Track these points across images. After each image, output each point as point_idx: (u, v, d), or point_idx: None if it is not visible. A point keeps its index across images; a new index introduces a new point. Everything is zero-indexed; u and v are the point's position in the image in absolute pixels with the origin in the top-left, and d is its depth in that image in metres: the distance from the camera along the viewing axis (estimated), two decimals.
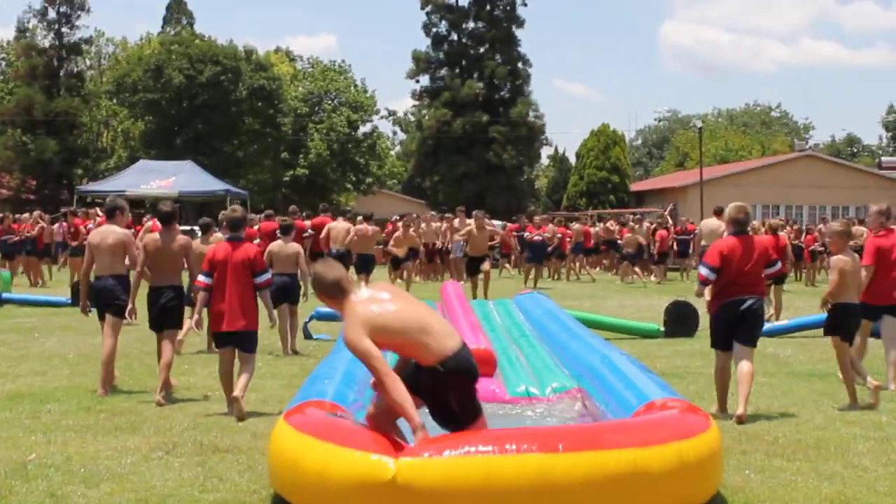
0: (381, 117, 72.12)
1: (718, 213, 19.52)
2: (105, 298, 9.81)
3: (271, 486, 5.88)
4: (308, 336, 14.14)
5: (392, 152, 69.38)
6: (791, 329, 14.73)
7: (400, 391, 5.23)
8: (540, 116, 58.23)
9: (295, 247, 12.94)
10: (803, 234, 30.14)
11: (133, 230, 26.64)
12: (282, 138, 55.32)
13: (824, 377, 10.77)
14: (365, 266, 19.76)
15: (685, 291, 21.02)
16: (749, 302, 8.49)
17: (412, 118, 62.71)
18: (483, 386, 8.28)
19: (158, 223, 9.96)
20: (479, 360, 8.36)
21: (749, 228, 8.88)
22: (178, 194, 34.48)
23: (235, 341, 8.66)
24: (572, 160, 65.11)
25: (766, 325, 14.75)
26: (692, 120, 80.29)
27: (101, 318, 9.93)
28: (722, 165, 63.06)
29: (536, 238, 26.00)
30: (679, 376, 10.79)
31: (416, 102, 59.25)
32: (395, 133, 73.16)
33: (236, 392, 8.29)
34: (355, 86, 61.29)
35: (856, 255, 9.34)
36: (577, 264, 30.83)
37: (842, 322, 9.06)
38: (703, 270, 8.62)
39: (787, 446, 7.39)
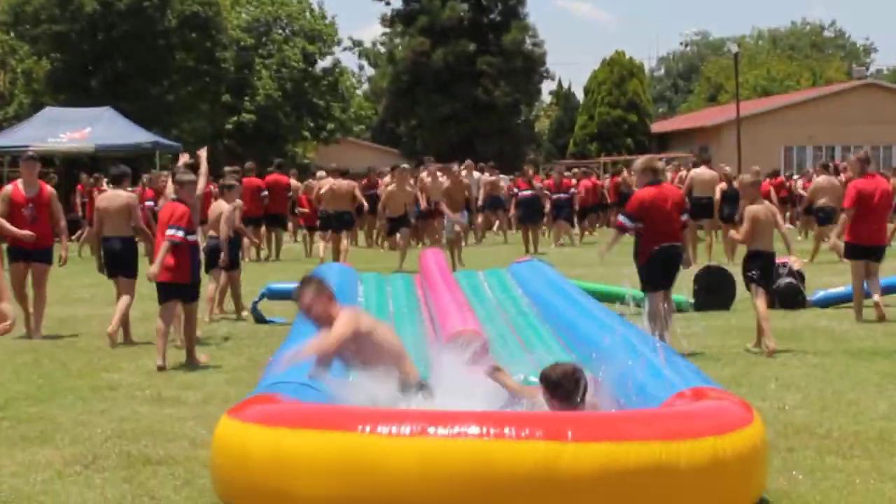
0: (344, 49, 72.05)
1: (707, 161, 23.13)
2: (114, 261, 12.80)
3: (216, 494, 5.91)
4: (260, 319, 14.14)
5: (358, 92, 69.18)
6: (848, 297, 14.79)
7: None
8: (539, 44, 58.17)
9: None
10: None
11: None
12: (222, 77, 55.03)
13: (890, 356, 10.86)
14: (342, 225, 21.68)
15: (717, 255, 21.09)
16: (670, 248, 11.07)
17: (382, 49, 62.53)
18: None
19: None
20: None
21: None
22: (95, 148, 34.28)
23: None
24: (580, 97, 65.09)
25: (820, 294, 14.90)
26: (726, 44, 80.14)
27: (111, 276, 12.91)
28: (763, 99, 63.15)
29: (527, 193, 26.11)
30: (713, 358, 10.85)
31: (387, 30, 59.10)
32: (361, 68, 73.00)
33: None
34: (311, 11, 61.03)
35: (769, 204, 12.05)
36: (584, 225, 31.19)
37: (757, 268, 11.61)
38: (623, 218, 11.36)
39: (844, 440, 7.45)
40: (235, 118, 55.87)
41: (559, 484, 5.17)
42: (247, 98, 56.45)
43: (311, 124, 58.53)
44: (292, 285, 14.67)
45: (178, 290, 11.08)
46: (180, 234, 10.92)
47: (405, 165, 24.62)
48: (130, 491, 6.52)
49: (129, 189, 13.94)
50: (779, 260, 15.34)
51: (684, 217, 11.42)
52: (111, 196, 13.23)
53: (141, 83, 49.58)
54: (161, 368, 10.66)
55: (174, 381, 10.17)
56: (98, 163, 39.30)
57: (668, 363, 7.35)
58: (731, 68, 53.69)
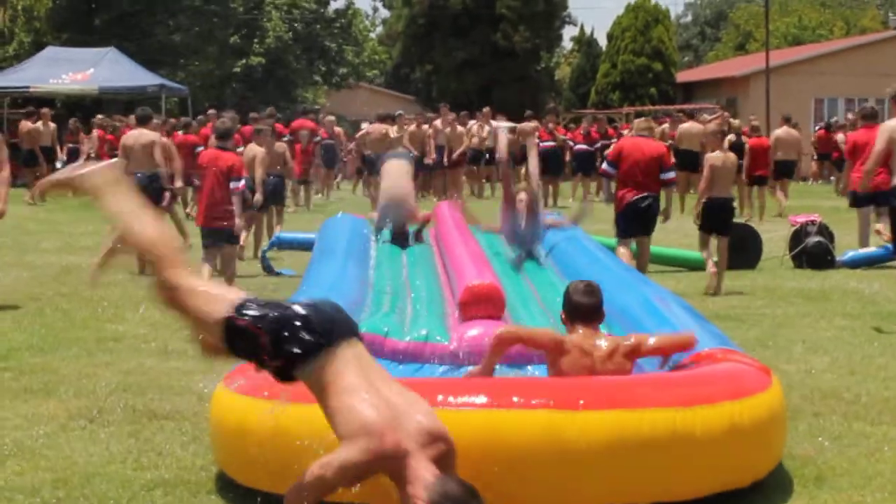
0: None
1: (697, 117, 26.08)
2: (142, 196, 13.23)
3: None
4: (270, 270, 14.20)
5: (372, 35, 68.91)
6: (879, 258, 14.80)
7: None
8: None
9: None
10: None
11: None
12: (230, 18, 54.87)
13: None
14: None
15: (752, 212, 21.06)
16: (642, 199, 12.36)
17: None
18: (489, 332, 8.36)
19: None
20: (484, 299, 8.47)
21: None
22: (99, 90, 34.27)
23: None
24: (602, 44, 64.70)
25: (850, 254, 14.89)
26: None
27: None
28: (795, 48, 62.70)
29: (548, 144, 26.13)
30: (737, 319, 10.88)
31: None
32: (375, 10, 72.84)
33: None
34: None
35: (729, 154, 13.54)
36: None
37: (714, 216, 13.03)
38: (605, 165, 13.14)
39: (873, 406, 7.48)
40: (244, 61, 55.68)
41: (569, 454, 5.20)
42: (256, 40, 56.23)
43: (323, 68, 58.34)
44: (302, 235, 14.87)
45: (222, 235, 12.41)
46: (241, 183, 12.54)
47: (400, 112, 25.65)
48: (136, 446, 6.59)
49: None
50: (806, 217, 15.38)
51: (671, 175, 12.83)
52: (136, 135, 14.97)
53: (146, 22, 49.42)
54: None
55: (180, 334, 10.12)
56: (101, 105, 39.24)
57: (689, 322, 7.34)
58: (761, 15, 53.36)
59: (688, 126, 25.18)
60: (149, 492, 5.84)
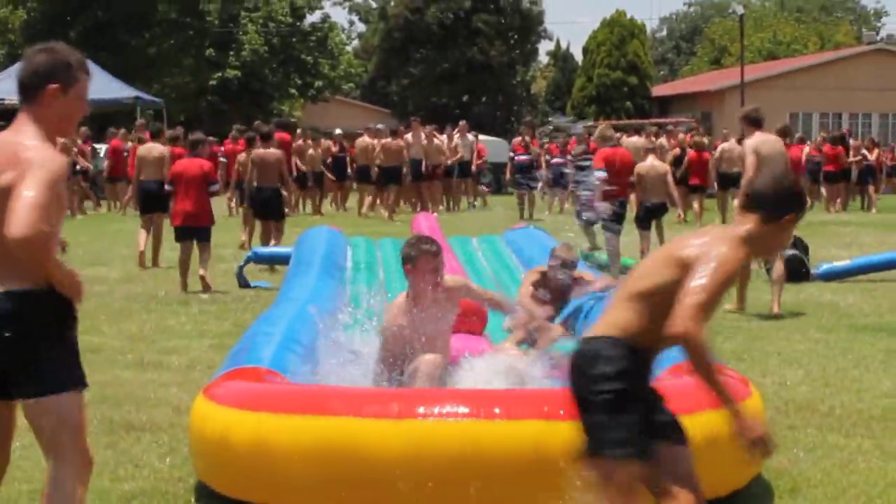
0: (334, 3, 71.75)
1: (638, 130, 28.31)
2: (151, 200, 16.79)
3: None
4: (244, 284, 14.19)
5: (348, 48, 68.93)
6: (853, 271, 14.88)
7: None
8: (537, 2, 57.90)
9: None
10: (875, 150, 30.47)
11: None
12: (206, 31, 54.82)
13: (895, 332, 10.93)
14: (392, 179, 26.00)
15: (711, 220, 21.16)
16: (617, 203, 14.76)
17: (374, 4, 62.30)
18: (470, 347, 8.37)
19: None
20: (465, 314, 8.51)
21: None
22: None
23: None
24: (578, 58, 64.96)
25: (825, 267, 14.98)
26: (731, 4, 79.95)
27: (143, 213, 16.75)
28: (769, 63, 63.09)
29: (523, 158, 26.29)
30: (712, 331, 10.90)
31: None
32: (351, 24, 72.79)
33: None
34: None
35: (656, 163, 16.85)
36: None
37: (647, 217, 16.37)
38: (599, 173, 14.79)
39: (847, 419, 7.54)
40: (220, 74, 55.62)
41: (549, 465, 5.19)
42: (232, 53, 56.20)
43: (299, 81, 58.29)
44: (277, 250, 14.90)
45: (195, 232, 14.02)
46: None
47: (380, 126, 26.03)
48: (114, 458, 6.59)
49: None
50: None
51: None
52: (150, 147, 17.60)
53: (121, 35, 49.31)
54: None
55: (156, 347, 10.23)
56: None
57: None
58: (736, 30, 53.66)
59: (633, 140, 26.14)
60: (127, 503, 5.84)
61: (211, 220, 14.27)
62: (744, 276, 11.95)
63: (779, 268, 12.24)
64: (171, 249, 15.52)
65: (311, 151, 27.55)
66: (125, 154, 27.36)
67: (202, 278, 13.78)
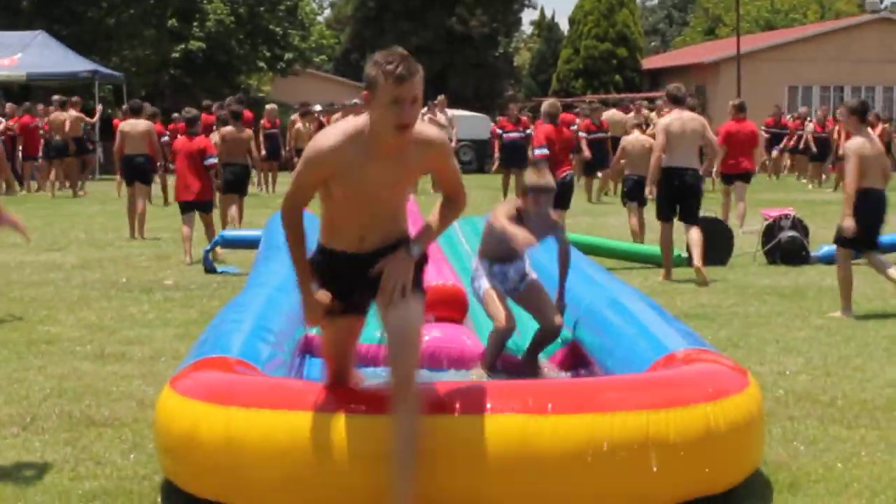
0: None
1: (617, 104, 29.25)
2: (135, 171, 18.82)
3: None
4: (210, 269, 14.18)
5: (320, 19, 68.78)
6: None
7: None
8: None
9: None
10: (880, 125, 30.51)
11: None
12: (168, 0, 54.57)
13: None
14: None
15: (710, 202, 21.21)
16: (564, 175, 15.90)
17: None
18: (451, 336, 8.37)
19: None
20: (445, 302, 8.52)
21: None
22: (27, 77, 34.02)
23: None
24: (564, 28, 64.95)
25: (825, 249, 15.04)
26: None
27: (129, 184, 18.79)
28: (766, 33, 63.18)
29: (513, 135, 26.11)
30: (706, 318, 10.97)
31: None
32: None
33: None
34: None
35: (640, 137, 17.27)
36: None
37: (634, 192, 16.68)
38: (538, 150, 16.21)
39: (849, 409, 7.57)
40: (183, 46, 55.33)
41: (538, 460, 5.24)
42: (196, 24, 55.91)
43: (267, 54, 58.01)
44: (247, 233, 14.90)
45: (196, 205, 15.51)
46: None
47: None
48: (73, 455, 6.57)
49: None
50: (779, 211, 15.53)
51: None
52: (133, 123, 19.26)
53: (77, 4, 49.02)
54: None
55: (117, 336, 10.20)
56: (30, 92, 38.92)
57: (657, 322, 7.41)
58: None
59: (611, 113, 27.74)
60: (88, 503, 5.83)
61: (212, 193, 15.87)
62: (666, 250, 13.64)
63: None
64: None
65: (298, 126, 28.55)
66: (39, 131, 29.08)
67: (214, 252, 14.80)
